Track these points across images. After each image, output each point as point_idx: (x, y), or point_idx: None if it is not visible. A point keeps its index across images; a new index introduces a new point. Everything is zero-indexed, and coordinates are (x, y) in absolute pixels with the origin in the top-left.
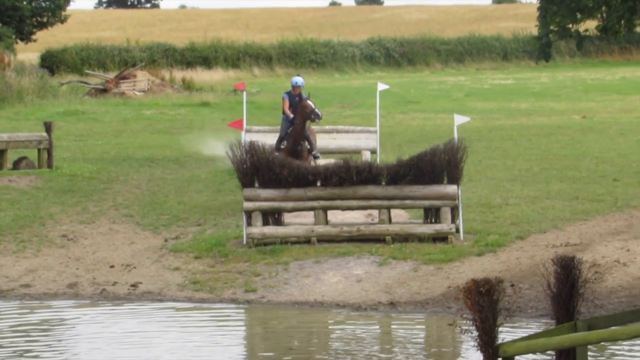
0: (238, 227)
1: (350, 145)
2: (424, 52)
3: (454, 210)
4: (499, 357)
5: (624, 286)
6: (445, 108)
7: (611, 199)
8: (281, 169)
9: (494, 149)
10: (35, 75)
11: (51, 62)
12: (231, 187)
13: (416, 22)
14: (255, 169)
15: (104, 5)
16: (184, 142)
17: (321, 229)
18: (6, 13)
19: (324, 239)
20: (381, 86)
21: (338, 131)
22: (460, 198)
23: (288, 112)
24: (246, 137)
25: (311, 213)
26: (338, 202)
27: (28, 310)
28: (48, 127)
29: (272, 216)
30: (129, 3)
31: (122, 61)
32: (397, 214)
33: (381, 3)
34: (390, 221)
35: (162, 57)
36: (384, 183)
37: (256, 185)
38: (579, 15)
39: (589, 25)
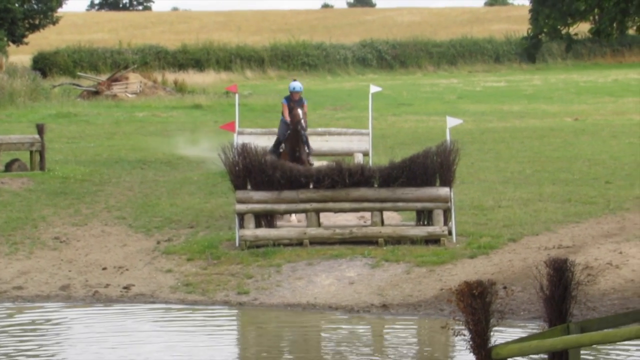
0: (230, 229)
1: (342, 147)
2: (416, 55)
3: (447, 213)
4: (492, 359)
5: (616, 288)
6: (438, 110)
7: (604, 201)
8: (273, 171)
9: (487, 151)
10: (28, 77)
11: (43, 65)
12: (223, 189)
13: (408, 25)
14: (247, 171)
15: (96, 7)
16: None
17: (314, 231)
18: None
19: (317, 241)
20: (373, 88)
21: (330, 133)
22: (452, 200)
23: (288, 118)
24: (238, 140)
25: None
26: (330, 205)
27: (16, 312)
28: (40, 130)
29: (265, 218)
30: (121, 5)
31: (114, 63)
32: (390, 216)
33: (373, 5)
34: (382, 223)
35: (154, 59)
36: (376, 185)
37: (248, 187)
38: (569, 19)
39: (581, 28)
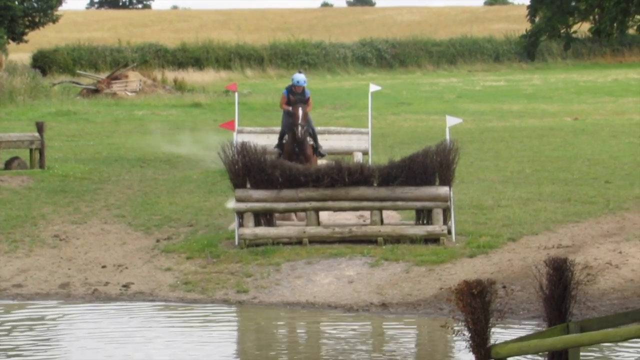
0: (230, 227)
1: (342, 146)
2: (415, 54)
3: (446, 212)
4: (491, 358)
5: (616, 288)
6: (437, 109)
7: (603, 201)
8: (273, 170)
9: (486, 150)
10: (27, 75)
11: (43, 63)
12: (223, 187)
13: (408, 24)
14: (247, 170)
15: (96, 5)
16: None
17: (313, 230)
18: None
19: (316, 240)
20: (373, 87)
21: (330, 132)
22: (452, 199)
23: (285, 106)
24: (238, 138)
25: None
26: (330, 203)
27: (16, 309)
28: (40, 128)
29: (264, 217)
30: (120, 4)
31: (113, 62)
32: (389, 215)
33: (373, 4)
34: (382, 222)
35: (154, 57)
36: (375, 184)
37: (248, 186)
38: (570, 19)
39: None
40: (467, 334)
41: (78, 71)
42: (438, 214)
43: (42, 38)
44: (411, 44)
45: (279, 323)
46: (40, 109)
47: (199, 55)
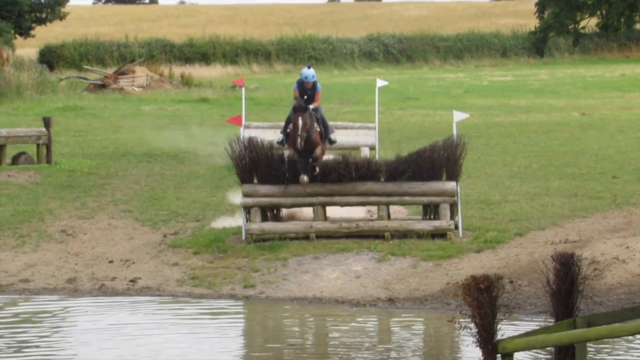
0: (237, 223)
1: (349, 141)
2: (422, 49)
3: (453, 207)
4: (498, 353)
5: (623, 283)
6: (444, 105)
7: (610, 196)
8: (280, 165)
9: (493, 145)
10: (34, 70)
11: (50, 58)
12: (230, 183)
13: (415, 19)
14: (254, 165)
15: (103, 0)
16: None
17: (320, 225)
18: (5, 8)
19: (323, 235)
20: (380, 82)
21: (337, 127)
22: (459, 195)
23: (298, 99)
24: (245, 133)
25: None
26: (337, 199)
27: (23, 304)
28: (47, 123)
29: (271, 212)
30: None
31: (120, 57)
32: (396, 211)
33: None
34: (389, 217)
35: (161, 53)
36: (382, 179)
37: (255, 181)
38: (578, 15)
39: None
40: (474, 328)
41: (85, 66)
42: (445, 209)
43: (49, 33)
44: (418, 39)
45: (285, 318)
46: (47, 104)
47: (206, 51)
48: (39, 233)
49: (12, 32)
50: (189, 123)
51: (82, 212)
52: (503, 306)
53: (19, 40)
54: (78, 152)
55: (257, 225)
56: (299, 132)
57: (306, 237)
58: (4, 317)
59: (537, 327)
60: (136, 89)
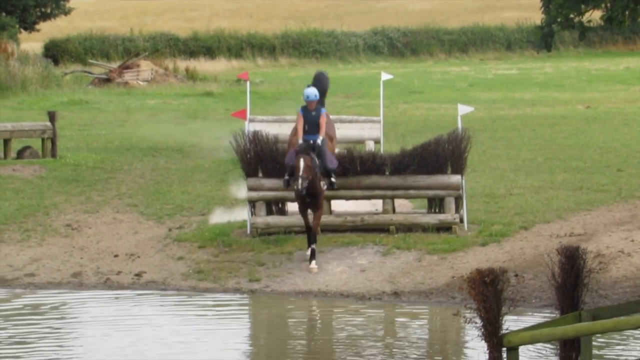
0: (242, 216)
1: (353, 135)
2: (427, 42)
3: (458, 200)
4: (503, 346)
5: (628, 276)
6: (449, 98)
7: (615, 189)
8: (285, 159)
9: (498, 139)
10: (39, 65)
11: (55, 52)
12: (235, 176)
13: (419, 12)
14: (259, 159)
15: None
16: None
17: (325, 218)
18: (10, 2)
19: (328, 229)
20: (385, 76)
21: (342, 121)
22: (464, 188)
23: (300, 133)
24: (250, 127)
25: None
26: (342, 192)
27: (30, 298)
28: (52, 117)
29: (276, 206)
30: None
31: (125, 51)
32: (401, 204)
33: None
34: (394, 211)
35: (166, 46)
36: (387, 173)
37: (260, 175)
38: (583, 7)
39: (592, 16)
40: (479, 322)
41: (90, 60)
42: (450, 203)
43: (53, 27)
44: (423, 33)
45: (291, 311)
46: (52, 99)
47: (211, 44)
48: (44, 227)
49: (17, 26)
50: (194, 117)
51: (87, 206)
52: (508, 300)
53: (23, 34)
54: (83, 146)
55: (262, 219)
56: (301, 174)
57: None
58: (10, 310)
59: (543, 321)
60: (141, 83)
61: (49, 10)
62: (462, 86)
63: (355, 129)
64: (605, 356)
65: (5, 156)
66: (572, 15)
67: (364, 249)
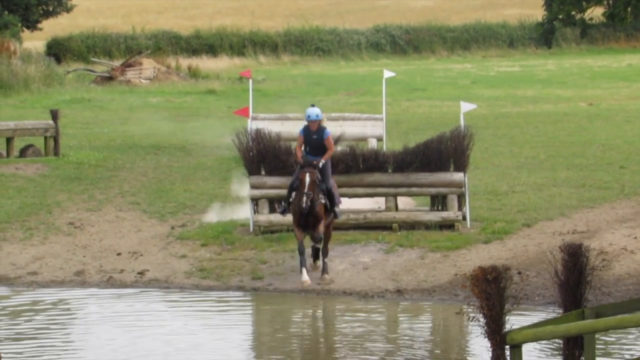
0: (245, 214)
1: (356, 132)
2: (429, 40)
3: (461, 198)
4: (507, 344)
5: (631, 274)
6: (452, 95)
7: (618, 186)
8: (287, 157)
9: (501, 136)
10: (42, 63)
11: (57, 50)
12: (237, 174)
13: (422, 9)
14: (261, 157)
15: None
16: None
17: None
18: (12, 1)
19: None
20: (387, 74)
21: (344, 119)
22: (466, 185)
23: (299, 154)
24: (252, 125)
25: None
26: (344, 190)
27: (32, 296)
28: (54, 115)
29: (279, 203)
30: None
31: (127, 49)
32: (404, 202)
33: None
34: (396, 209)
35: (168, 44)
36: (390, 170)
37: (262, 172)
38: (584, 4)
39: (594, 13)
40: (482, 320)
41: (92, 59)
42: (453, 200)
43: (56, 26)
44: (425, 30)
45: (294, 309)
46: (54, 97)
47: (213, 42)
48: (46, 226)
49: (19, 25)
50: (196, 115)
51: (89, 204)
52: (511, 297)
53: (26, 33)
54: (85, 145)
55: (265, 217)
56: (306, 190)
57: None
58: (13, 307)
59: (546, 318)
60: (143, 81)
61: (51, 9)
62: (464, 83)
63: (358, 126)
64: (608, 353)
65: (8, 154)
66: (573, 12)
67: (367, 246)
